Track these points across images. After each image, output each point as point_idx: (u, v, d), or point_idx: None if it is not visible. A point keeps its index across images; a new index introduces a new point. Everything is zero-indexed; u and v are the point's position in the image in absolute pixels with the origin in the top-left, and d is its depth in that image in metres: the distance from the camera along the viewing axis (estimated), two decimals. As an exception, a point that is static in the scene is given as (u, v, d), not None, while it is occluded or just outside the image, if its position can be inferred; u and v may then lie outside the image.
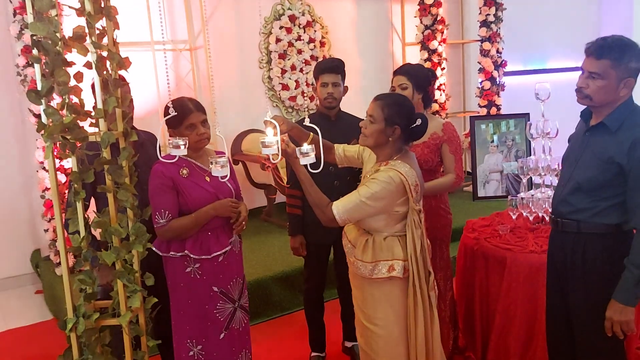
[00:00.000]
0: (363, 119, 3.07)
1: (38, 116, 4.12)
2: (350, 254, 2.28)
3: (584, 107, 2.16)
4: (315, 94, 2.97)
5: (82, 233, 1.88)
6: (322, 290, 3.16)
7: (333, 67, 2.89)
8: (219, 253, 2.35)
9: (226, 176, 2.09)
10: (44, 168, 4.25)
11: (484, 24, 6.32)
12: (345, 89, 2.98)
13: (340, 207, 2.11)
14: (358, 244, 2.22)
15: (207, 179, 2.36)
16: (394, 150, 2.19)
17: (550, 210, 2.34)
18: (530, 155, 4.31)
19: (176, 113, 2.19)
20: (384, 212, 2.13)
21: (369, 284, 2.20)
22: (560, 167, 2.31)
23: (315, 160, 2.04)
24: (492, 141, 6.03)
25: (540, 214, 2.99)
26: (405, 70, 2.83)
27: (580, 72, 2.08)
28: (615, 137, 2.00)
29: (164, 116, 2.25)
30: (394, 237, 2.17)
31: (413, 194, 2.12)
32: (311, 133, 2.35)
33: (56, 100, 1.83)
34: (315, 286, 3.13)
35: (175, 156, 2.25)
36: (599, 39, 2.01)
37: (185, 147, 2.14)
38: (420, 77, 2.80)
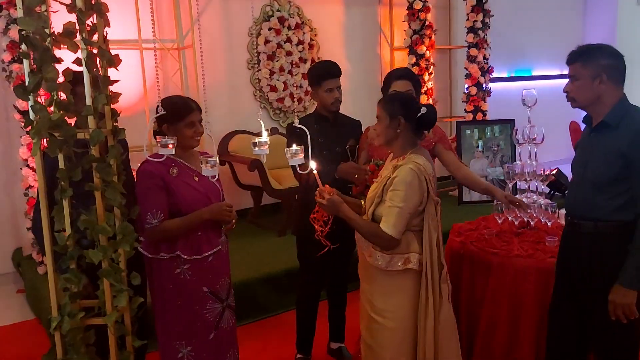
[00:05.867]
0: (358, 120, 3.10)
1: (23, 113, 4.06)
2: (365, 247, 2.29)
3: (581, 115, 2.32)
4: (316, 99, 2.98)
5: (68, 231, 1.87)
6: (321, 288, 3.16)
7: (336, 72, 2.92)
8: (209, 253, 2.34)
9: (216, 176, 2.09)
10: (27, 165, 4.20)
11: (472, 30, 6.38)
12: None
13: (390, 225, 2.13)
14: None
15: (196, 178, 2.36)
16: (406, 143, 2.25)
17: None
18: (515, 160, 4.36)
19: (165, 111, 2.18)
20: (421, 205, 2.18)
21: (384, 276, 2.23)
22: (571, 172, 2.40)
23: (304, 161, 2.04)
24: (478, 146, 6.08)
25: (525, 219, 3.02)
26: (407, 74, 2.84)
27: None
28: (617, 132, 2.13)
29: (164, 110, 2.23)
30: (410, 232, 2.21)
31: (432, 185, 2.19)
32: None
33: (44, 97, 1.81)
34: (311, 291, 3.11)
35: (163, 155, 2.24)
36: (574, 49, 2.23)
37: (173, 147, 2.13)
38: (419, 82, 2.87)
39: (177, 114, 2.26)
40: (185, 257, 2.29)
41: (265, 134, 1.96)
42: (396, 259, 2.20)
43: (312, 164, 2.14)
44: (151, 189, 2.25)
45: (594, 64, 2.15)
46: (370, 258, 2.27)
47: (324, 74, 2.91)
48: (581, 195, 2.25)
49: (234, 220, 2.41)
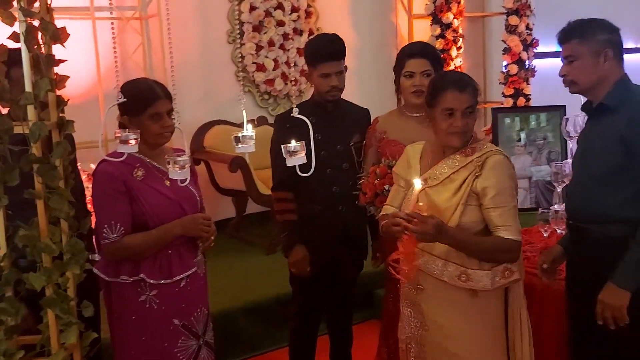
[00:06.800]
0: (366, 109, 3.11)
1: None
2: (446, 273, 2.28)
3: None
4: (310, 82, 3.00)
5: (3, 249, 1.88)
6: (317, 327, 3.19)
7: (335, 54, 2.90)
8: (182, 276, 2.37)
9: (186, 180, 2.11)
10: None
11: (511, -8, 6.40)
12: (345, 69, 3.00)
13: (515, 230, 2.24)
14: (459, 253, 2.27)
15: (167, 183, 2.38)
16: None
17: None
18: (566, 158, 4.37)
19: (125, 99, 2.20)
20: None
21: (484, 300, 2.29)
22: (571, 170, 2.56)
23: (305, 161, 2.06)
24: (519, 140, 6.09)
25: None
26: (424, 50, 2.88)
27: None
28: (617, 115, 2.26)
29: (125, 97, 2.26)
30: None
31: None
32: None
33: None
34: (308, 321, 3.15)
35: (123, 154, 2.25)
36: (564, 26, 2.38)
37: (136, 143, 2.15)
38: (440, 61, 2.92)
39: (139, 103, 2.29)
40: (151, 281, 2.31)
41: (249, 127, 1.97)
42: (493, 274, 2.26)
43: (418, 182, 2.11)
44: (110, 196, 2.28)
45: (592, 40, 2.31)
46: (468, 282, 2.26)
47: (320, 54, 2.90)
48: (583, 193, 2.37)
49: (212, 237, 2.43)
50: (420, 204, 2.13)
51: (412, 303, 2.40)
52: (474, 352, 2.31)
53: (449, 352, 2.32)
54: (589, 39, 2.31)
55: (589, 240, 2.35)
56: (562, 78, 2.40)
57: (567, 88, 2.41)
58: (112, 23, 4.90)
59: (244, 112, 2.00)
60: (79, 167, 3.08)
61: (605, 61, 2.30)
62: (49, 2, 1.90)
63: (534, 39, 6.50)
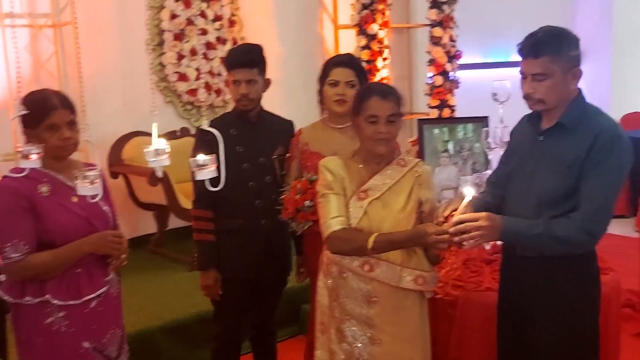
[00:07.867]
0: (289, 121, 3.13)
1: None
2: (404, 279, 2.36)
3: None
4: (228, 90, 3.01)
5: None
6: (240, 346, 3.17)
7: (246, 61, 2.91)
8: (92, 296, 2.32)
9: (96, 196, 2.07)
10: None
11: (435, 4, 6.53)
12: (268, 83, 3.02)
13: None
14: (415, 256, 2.37)
15: (74, 199, 2.33)
16: None
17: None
18: (487, 169, 4.49)
19: (28, 111, 2.14)
20: None
21: (426, 299, 2.51)
22: (511, 180, 2.44)
23: (216, 175, 2.05)
24: (445, 150, 6.20)
25: (499, 243, 3.11)
26: (352, 62, 2.95)
27: (520, 77, 2.30)
28: (574, 136, 2.22)
29: (25, 109, 2.22)
30: None
31: None
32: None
33: None
34: (229, 341, 3.12)
35: (24, 169, 2.19)
36: (528, 36, 2.25)
37: (38, 158, 2.09)
38: (365, 73, 2.99)
39: (34, 115, 2.23)
40: (57, 302, 2.25)
41: (163, 141, 1.94)
42: (435, 274, 2.47)
43: (470, 191, 2.19)
44: (13, 212, 2.22)
45: (565, 57, 2.21)
46: (424, 285, 2.40)
47: (231, 61, 2.96)
48: (522, 213, 2.30)
49: (124, 255, 2.39)
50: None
51: (361, 320, 2.41)
52: (426, 351, 2.47)
53: (405, 357, 2.40)
54: (562, 55, 2.20)
55: (523, 262, 2.35)
56: (524, 95, 2.28)
57: (529, 105, 2.30)
58: (13, 32, 4.75)
59: (154, 125, 1.96)
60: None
61: (573, 79, 2.24)
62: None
63: (457, 50, 6.68)
